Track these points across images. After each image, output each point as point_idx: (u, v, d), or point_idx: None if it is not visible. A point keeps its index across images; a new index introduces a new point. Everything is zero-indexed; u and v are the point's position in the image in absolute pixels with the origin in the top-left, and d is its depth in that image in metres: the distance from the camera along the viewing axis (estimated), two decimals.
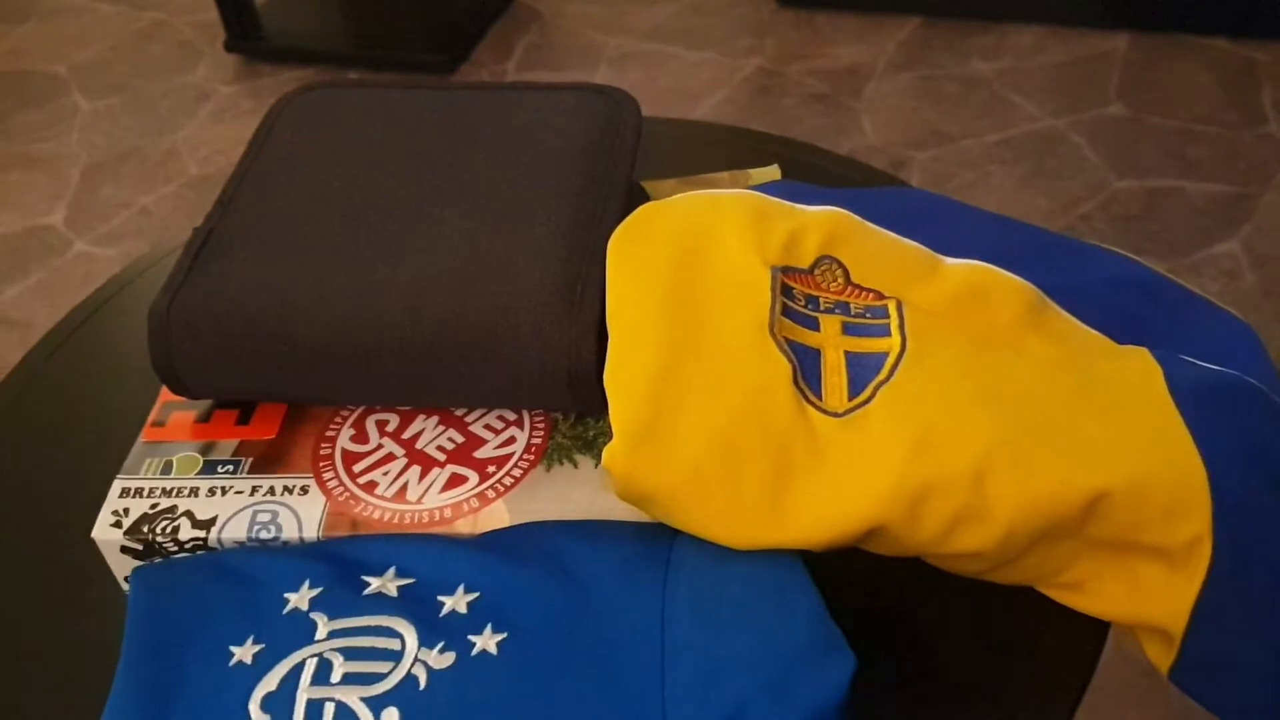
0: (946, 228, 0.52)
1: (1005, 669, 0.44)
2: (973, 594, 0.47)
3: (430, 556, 0.43)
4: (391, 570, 0.43)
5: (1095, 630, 0.45)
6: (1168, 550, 0.41)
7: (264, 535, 0.46)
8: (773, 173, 0.60)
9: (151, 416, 0.51)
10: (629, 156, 0.53)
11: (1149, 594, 0.42)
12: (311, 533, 0.46)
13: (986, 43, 1.81)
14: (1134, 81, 1.72)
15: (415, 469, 0.48)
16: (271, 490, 0.47)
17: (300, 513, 0.46)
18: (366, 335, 0.47)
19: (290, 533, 0.46)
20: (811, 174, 0.67)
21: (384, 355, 0.47)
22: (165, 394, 0.52)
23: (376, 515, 0.46)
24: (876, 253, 0.48)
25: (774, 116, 1.69)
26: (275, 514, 0.46)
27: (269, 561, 0.44)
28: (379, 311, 0.47)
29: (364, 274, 0.48)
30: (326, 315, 0.47)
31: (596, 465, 0.47)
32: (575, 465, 0.47)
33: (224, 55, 2.00)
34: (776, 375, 0.42)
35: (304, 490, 0.47)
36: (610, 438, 0.48)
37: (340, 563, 0.44)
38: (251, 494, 0.47)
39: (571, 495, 0.46)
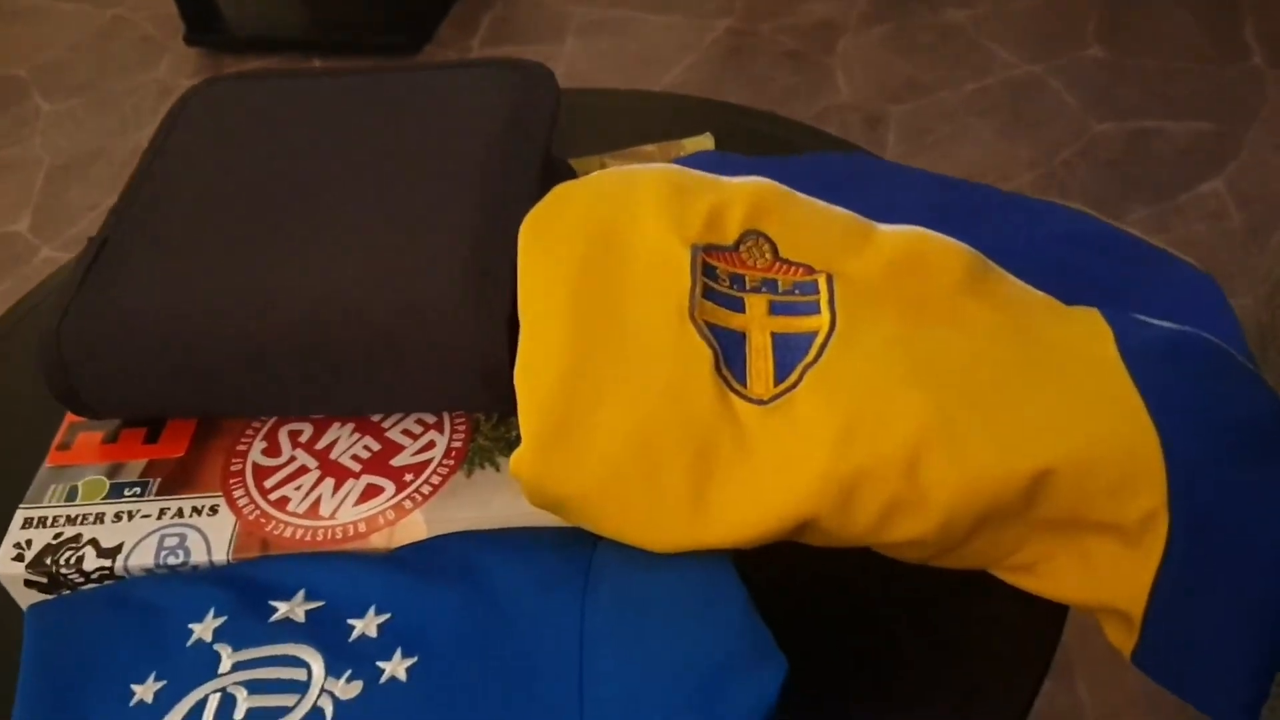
0: (881, 192, 0.49)
1: (960, 655, 0.42)
2: (923, 578, 0.44)
3: (341, 577, 0.41)
4: (301, 594, 0.41)
5: (1054, 611, 0.43)
6: (1121, 527, 0.38)
7: (172, 561, 0.43)
8: (705, 142, 0.57)
9: (56, 439, 0.49)
10: (544, 133, 0.50)
11: (1104, 575, 0.39)
12: (221, 555, 0.43)
13: None
14: (1112, 22, 1.67)
15: (329, 481, 0.45)
16: (180, 512, 0.45)
17: (209, 534, 0.44)
18: (264, 343, 0.44)
19: (199, 556, 0.43)
20: (765, 143, 0.64)
21: (284, 363, 0.44)
22: (70, 416, 0.50)
23: (288, 534, 0.44)
24: (806, 224, 0.45)
25: (746, 78, 1.65)
26: (183, 537, 0.44)
27: (174, 590, 0.42)
28: (275, 318, 0.44)
29: (260, 278, 0.45)
30: (222, 324, 0.44)
31: None
32: (498, 468, 0.45)
33: (186, 49, 1.96)
34: (696, 363, 0.40)
35: (213, 510, 0.45)
36: None
37: (247, 588, 0.41)
38: (159, 517, 0.45)
39: (493, 501, 0.43)
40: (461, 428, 0.46)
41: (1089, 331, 0.42)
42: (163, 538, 0.44)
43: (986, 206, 0.50)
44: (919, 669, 0.42)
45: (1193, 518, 0.38)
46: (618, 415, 0.39)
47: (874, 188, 0.50)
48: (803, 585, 0.44)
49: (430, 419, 0.47)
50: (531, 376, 0.40)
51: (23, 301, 0.63)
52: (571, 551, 0.40)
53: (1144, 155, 1.45)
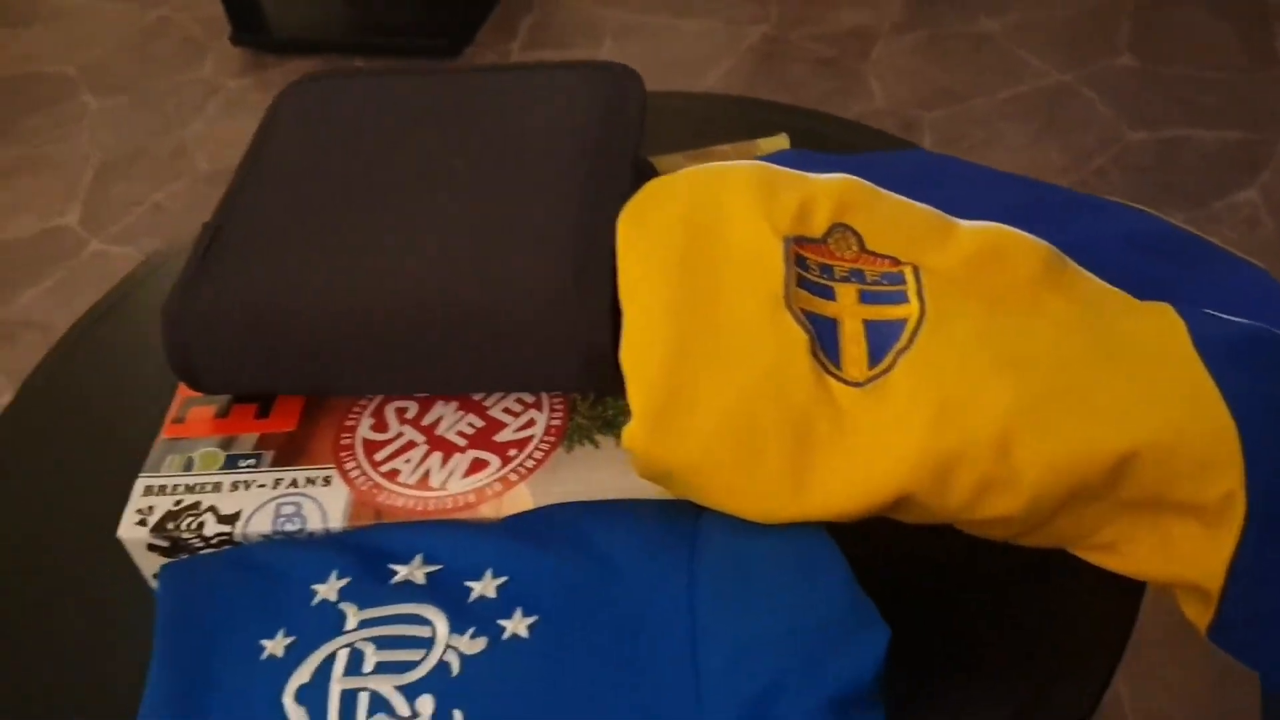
0: (959, 189, 0.52)
1: (1041, 632, 0.44)
2: (1007, 555, 0.46)
3: (456, 542, 0.43)
4: (418, 558, 0.43)
5: (1131, 590, 0.45)
6: (1200, 507, 0.41)
7: (289, 528, 0.46)
8: (781, 142, 0.60)
9: (171, 413, 0.51)
10: (634, 132, 0.53)
11: (1183, 552, 0.42)
12: (336, 523, 0.46)
13: None
14: (1143, 31, 1.69)
15: (437, 455, 0.48)
16: (294, 482, 0.47)
17: (324, 503, 0.46)
18: (374, 325, 0.47)
19: (315, 524, 0.46)
20: (818, 141, 0.66)
21: (393, 345, 0.47)
22: (184, 390, 0.52)
23: (400, 503, 0.46)
24: (890, 218, 0.47)
25: (781, 84, 1.68)
26: (299, 506, 0.46)
27: (295, 554, 0.44)
28: (385, 301, 0.47)
29: (370, 263, 0.48)
30: (335, 307, 0.47)
31: (618, 445, 0.47)
32: (596, 445, 0.47)
33: (230, 49, 1.99)
34: (793, 347, 0.42)
35: (327, 481, 0.47)
36: (630, 417, 0.48)
37: (366, 552, 0.44)
38: (274, 487, 0.47)
39: (594, 476, 0.46)
40: (560, 407, 0.49)
41: (1163, 325, 0.45)
42: (279, 506, 0.46)
43: (1058, 205, 0.53)
44: (996, 648, 0.44)
45: (1268, 500, 0.40)
46: (721, 392, 0.41)
47: (950, 185, 0.52)
48: (881, 563, 0.47)
49: (529, 398, 0.50)
50: (639, 357, 0.42)
51: (121, 285, 0.66)
52: (675, 521, 0.43)
53: (1176, 163, 1.47)
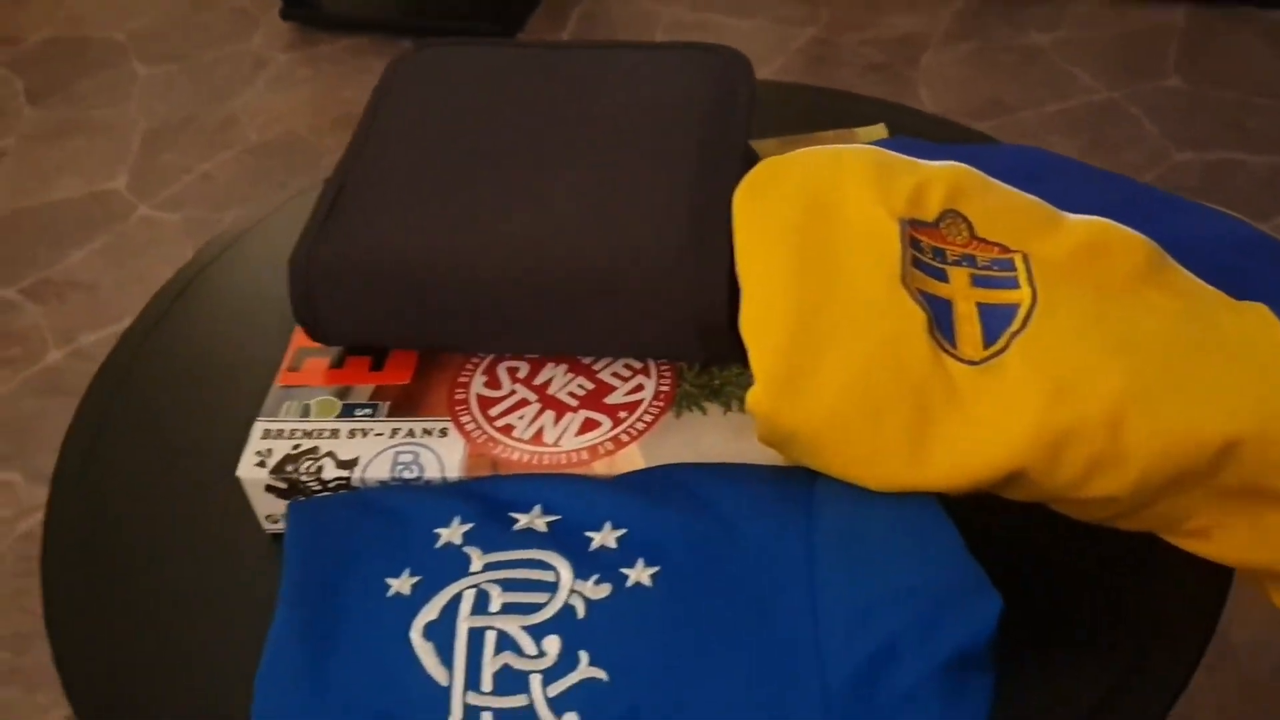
0: (1060, 183, 0.53)
1: (1135, 607, 0.46)
2: (1099, 535, 0.48)
3: (574, 495, 0.45)
4: (538, 508, 0.45)
5: (1220, 577, 0.46)
6: None
7: (406, 475, 0.47)
8: (878, 131, 0.61)
9: (285, 362, 0.53)
10: (744, 113, 0.54)
11: (1275, 540, 0.43)
12: (453, 473, 0.47)
13: (1043, 13, 1.80)
14: (1192, 54, 1.70)
15: (549, 414, 0.49)
16: (411, 432, 0.49)
17: (441, 454, 0.48)
18: (494, 283, 0.48)
19: (432, 473, 0.47)
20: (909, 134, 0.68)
21: (511, 303, 0.48)
22: (297, 340, 0.54)
23: (515, 457, 0.48)
24: (999, 207, 0.49)
25: (831, 86, 1.69)
26: (416, 455, 0.48)
27: (416, 499, 0.46)
28: (509, 262, 0.48)
29: (491, 223, 0.49)
30: (456, 264, 0.48)
31: (725, 412, 0.49)
32: (704, 412, 0.49)
33: (279, 23, 2.01)
34: (913, 323, 0.44)
35: (443, 432, 0.49)
36: (738, 386, 0.50)
37: (486, 501, 0.45)
38: (391, 436, 0.49)
39: (703, 440, 0.47)
40: (667, 374, 0.51)
41: (1261, 322, 0.46)
42: (397, 454, 0.48)
43: (1154, 203, 0.54)
44: (1090, 623, 0.45)
45: None
46: (842, 362, 0.43)
47: (1051, 179, 0.53)
48: (978, 540, 0.48)
49: (637, 364, 0.51)
50: (762, 323, 0.44)
51: (215, 241, 0.67)
52: (790, 485, 0.44)
53: (1223, 186, 1.48)
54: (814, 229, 0.46)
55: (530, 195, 0.50)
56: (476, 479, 0.47)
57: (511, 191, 0.50)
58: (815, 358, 0.43)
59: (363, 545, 0.44)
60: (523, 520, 0.44)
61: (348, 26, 1.96)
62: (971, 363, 0.44)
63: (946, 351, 0.44)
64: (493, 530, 0.44)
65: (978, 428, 0.42)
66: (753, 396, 0.43)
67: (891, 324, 0.44)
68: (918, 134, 0.68)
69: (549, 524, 0.44)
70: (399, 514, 0.45)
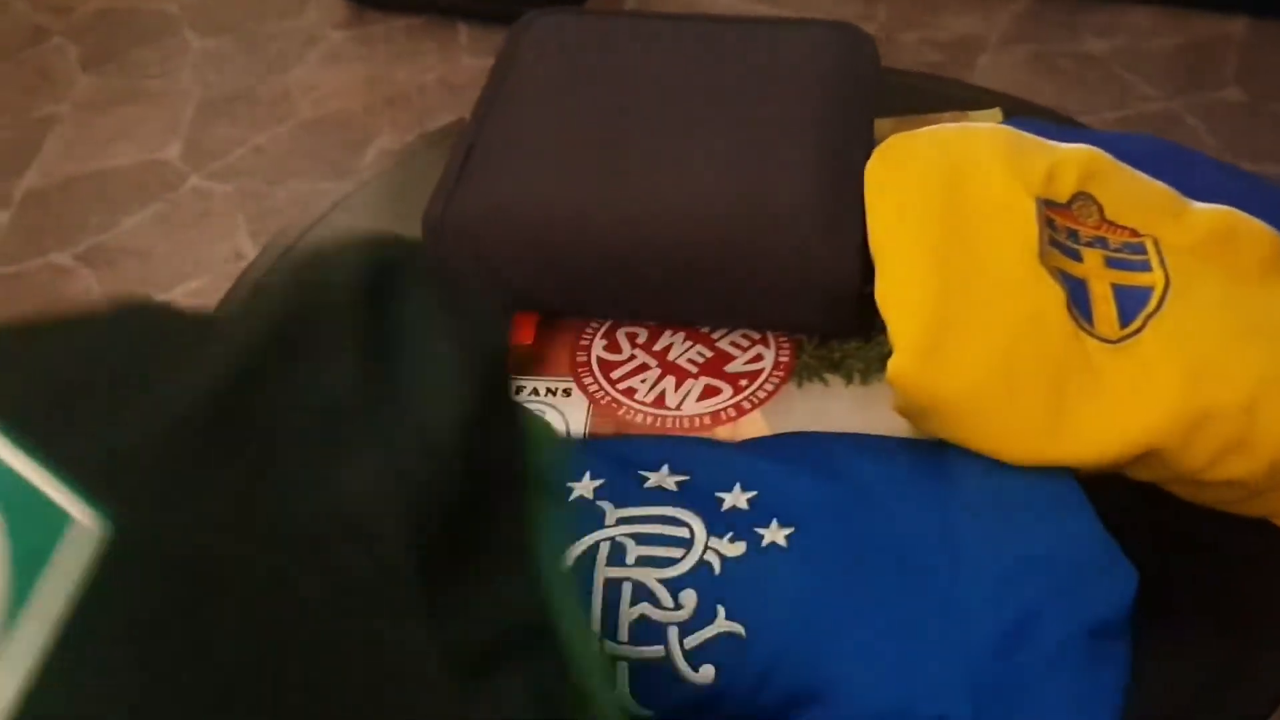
0: (1187, 172, 0.53)
1: (1245, 601, 0.46)
2: (1210, 524, 0.48)
3: (701, 457, 0.45)
4: (665, 467, 0.45)
5: None
6: None
7: None
8: (995, 115, 0.61)
9: None
10: (871, 89, 0.54)
11: None
12: (578, 431, 0.48)
13: (1100, 20, 1.80)
14: (1251, 66, 1.70)
15: (670, 379, 0.49)
16: (535, 391, 0.49)
17: (566, 413, 0.48)
18: (635, 248, 0.48)
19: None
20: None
21: (649, 268, 0.49)
22: None
23: (639, 419, 0.48)
24: (1128, 192, 0.49)
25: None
26: (542, 413, 0.48)
27: None
28: (646, 226, 0.48)
29: (629, 189, 0.49)
30: (594, 227, 0.49)
31: (847, 384, 0.49)
32: (826, 383, 0.49)
33: (332, 0, 2.01)
34: (1052, 299, 0.44)
35: (566, 393, 0.49)
36: (858, 359, 0.50)
37: (614, 458, 0.45)
38: (516, 394, 0.49)
39: (827, 410, 0.48)
40: (786, 345, 0.51)
41: None
42: None
43: (1273, 197, 0.54)
44: (1200, 613, 0.45)
45: None
46: (986, 334, 0.43)
47: (1179, 168, 0.53)
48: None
49: (755, 335, 0.51)
50: (902, 293, 0.44)
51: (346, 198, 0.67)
52: (924, 455, 0.44)
53: None
54: (951, 202, 0.46)
55: (667, 161, 0.50)
56: (603, 439, 0.47)
57: (647, 156, 0.50)
58: (958, 329, 0.43)
59: None
60: (652, 478, 0.45)
61: (400, 6, 1.96)
62: (1109, 341, 0.44)
63: (1084, 330, 0.44)
64: (624, 486, 0.44)
65: (1116, 405, 0.42)
66: (895, 365, 0.43)
67: (1033, 299, 0.44)
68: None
69: (678, 483, 0.44)
70: None
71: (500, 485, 0.31)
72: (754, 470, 0.44)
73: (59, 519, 0.24)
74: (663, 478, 0.45)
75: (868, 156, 0.50)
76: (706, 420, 0.48)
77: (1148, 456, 0.43)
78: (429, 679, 0.27)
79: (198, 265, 1.57)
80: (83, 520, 0.24)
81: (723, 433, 0.47)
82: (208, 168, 1.71)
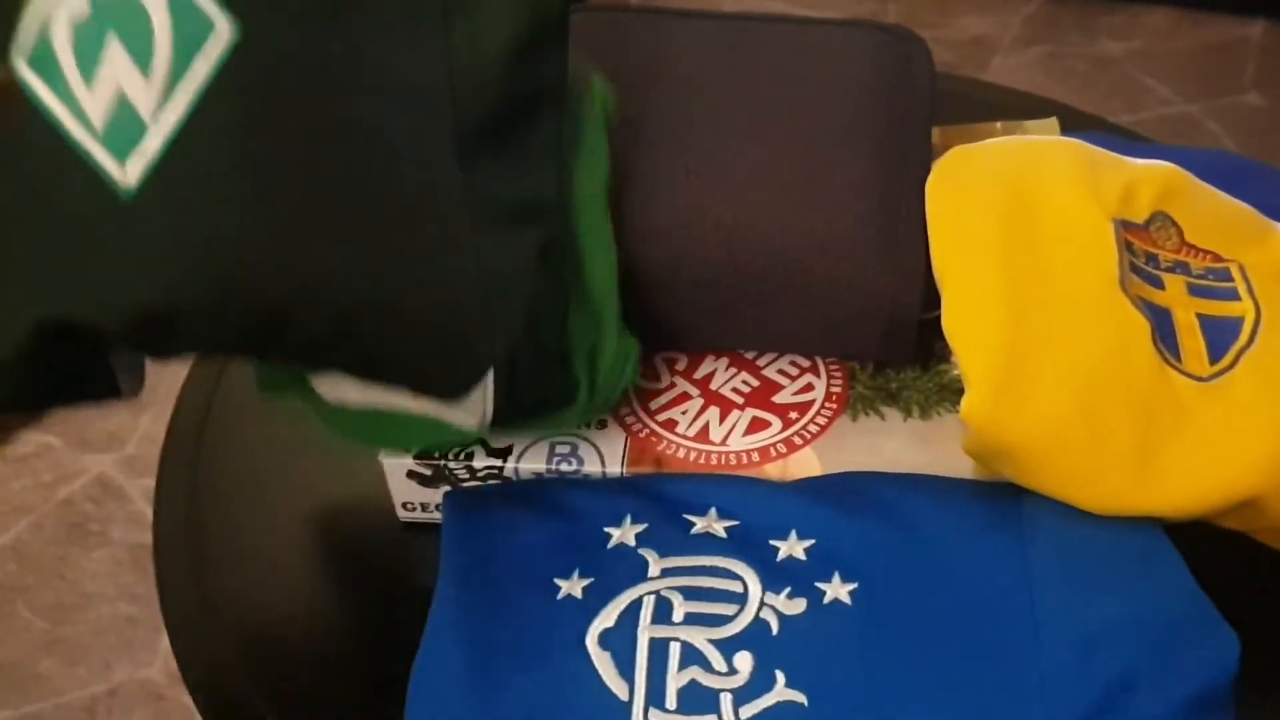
0: (1266, 191, 0.50)
1: None
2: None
3: (752, 500, 0.42)
4: (713, 511, 0.41)
5: None
6: None
7: (564, 467, 0.44)
8: (1052, 125, 0.57)
9: None
10: (926, 96, 0.51)
11: None
12: (615, 467, 0.44)
13: (1116, 22, 1.76)
14: (1271, 70, 1.66)
15: (714, 410, 0.46)
16: None
17: (601, 447, 0.44)
18: (679, 268, 0.45)
19: (591, 466, 0.44)
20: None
21: (694, 290, 0.45)
22: None
23: (680, 454, 0.44)
24: (1209, 212, 0.45)
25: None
26: (575, 446, 0.44)
27: (583, 494, 0.42)
28: (692, 242, 0.44)
29: (672, 200, 0.45)
30: (636, 239, 0.45)
31: (905, 418, 0.45)
32: (882, 417, 0.45)
33: None
34: (1136, 332, 0.40)
35: (601, 424, 0.45)
36: (916, 390, 0.46)
37: (657, 500, 0.42)
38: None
39: (885, 447, 0.44)
40: (838, 374, 0.47)
41: None
42: (553, 445, 0.45)
43: None
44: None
45: None
46: (1064, 371, 0.39)
47: (1257, 184, 0.50)
48: None
49: (804, 363, 0.48)
50: (973, 324, 0.40)
51: None
52: (997, 501, 0.41)
53: None
54: (1020, 221, 0.43)
55: (710, 172, 0.46)
56: (643, 476, 0.44)
57: (684, 166, 0.46)
58: (1035, 363, 0.39)
59: (528, 541, 0.41)
60: (700, 524, 0.41)
61: None
62: (1198, 379, 0.40)
63: (1171, 365, 0.40)
64: (668, 533, 0.40)
65: (1210, 450, 0.39)
66: (969, 404, 0.39)
67: (1115, 331, 0.40)
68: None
69: (727, 529, 0.41)
70: (567, 508, 0.42)
71: (544, 99, 0.39)
72: (810, 515, 0.41)
73: (207, 23, 0.35)
74: (710, 522, 0.41)
75: (926, 171, 0.46)
76: (755, 456, 0.44)
77: (1244, 505, 0.39)
78: (456, 216, 0.36)
79: None
80: (222, 28, 0.35)
81: (772, 470, 0.44)
82: None
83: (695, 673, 0.36)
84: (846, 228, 0.44)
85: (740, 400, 0.46)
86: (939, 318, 0.42)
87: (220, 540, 0.48)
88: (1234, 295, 0.43)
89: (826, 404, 0.46)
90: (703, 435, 0.45)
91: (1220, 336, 0.41)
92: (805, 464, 0.44)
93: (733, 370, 0.47)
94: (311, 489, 0.49)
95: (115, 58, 0.35)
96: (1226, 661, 0.35)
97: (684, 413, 0.46)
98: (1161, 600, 0.37)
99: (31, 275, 0.35)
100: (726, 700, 0.36)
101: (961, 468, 0.43)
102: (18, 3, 0.36)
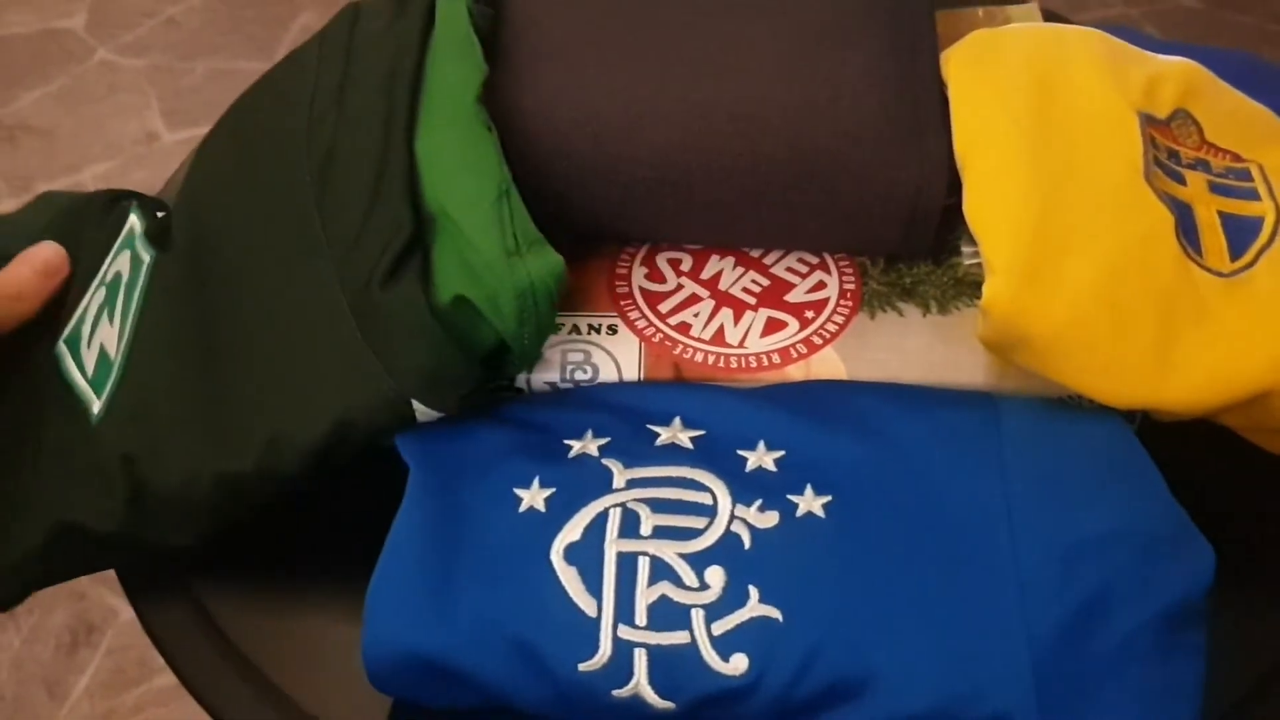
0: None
1: None
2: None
3: (718, 409, 0.40)
4: (677, 420, 0.40)
5: None
6: None
7: (580, 376, 0.42)
8: (1032, 11, 0.56)
9: None
10: None
11: None
12: (631, 374, 0.42)
13: None
14: None
15: (726, 311, 0.44)
16: (576, 329, 0.44)
17: (615, 353, 0.43)
18: (693, 158, 0.43)
19: (608, 374, 0.42)
20: None
21: (709, 182, 0.43)
22: None
23: (699, 358, 0.43)
24: (1230, 112, 0.45)
25: None
26: (588, 354, 0.43)
27: (543, 410, 0.41)
28: (706, 132, 0.42)
29: (683, 91, 0.43)
30: (648, 133, 0.43)
31: (924, 314, 0.44)
32: (900, 313, 0.44)
33: None
34: (1161, 224, 0.40)
35: (612, 330, 0.44)
36: (932, 285, 0.45)
37: (619, 411, 0.40)
38: (556, 332, 0.43)
39: (906, 343, 0.43)
40: (849, 270, 0.46)
41: None
42: (565, 353, 0.43)
43: None
44: (1245, 613, 0.42)
45: None
46: (1088, 259, 0.38)
47: (1276, 88, 0.49)
48: None
49: (812, 259, 0.46)
50: (999, 209, 0.39)
51: None
52: (974, 413, 0.40)
53: None
54: (1046, 109, 0.42)
55: (715, 62, 0.44)
56: (603, 386, 0.42)
57: (693, 57, 0.44)
58: (1060, 252, 0.38)
59: (486, 451, 0.39)
60: (664, 434, 0.39)
61: None
62: (1220, 274, 0.40)
63: (1193, 259, 0.40)
64: (632, 443, 0.39)
65: (1230, 344, 0.39)
66: (992, 291, 0.38)
67: (1139, 222, 0.39)
68: None
69: (693, 439, 0.39)
70: (525, 423, 0.40)
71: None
72: (779, 425, 0.39)
73: (139, 261, 0.44)
74: (675, 433, 0.39)
75: (936, 57, 0.45)
76: (775, 358, 0.43)
77: (1253, 402, 0.39)
78: (334, 300, 0.38)
79: (106, 147, 1.45)
80: (148, 260, 0.44)
81: (795, 372, 0.43)
82: (116, 40, 1.57)
83: (665, 588, 0.35)
84: (867, 114, 0.42)
85: (753, 300, 0.45)
86: (952, 206, 0.41)
87: None
88: (1254, 195, 0.43)
89: (842, 302, 0.45)
90: (719, 338, 0.43)
91: (1241, 235, 0.41)
92: (828, 364, 0.43)
93: (740, 269, 0.46)
94: None
95: (104, 319, 0.43)
96: (1202, 573, 0.35)
97: (696, 315, 0.44)
98: (1139, 512, 0.37)
99: (43, 487, 0.41)
100: (698, 616, 0.35)
101: (984, 364, 0.42)
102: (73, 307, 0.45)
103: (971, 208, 0.40)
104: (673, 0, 0.46)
